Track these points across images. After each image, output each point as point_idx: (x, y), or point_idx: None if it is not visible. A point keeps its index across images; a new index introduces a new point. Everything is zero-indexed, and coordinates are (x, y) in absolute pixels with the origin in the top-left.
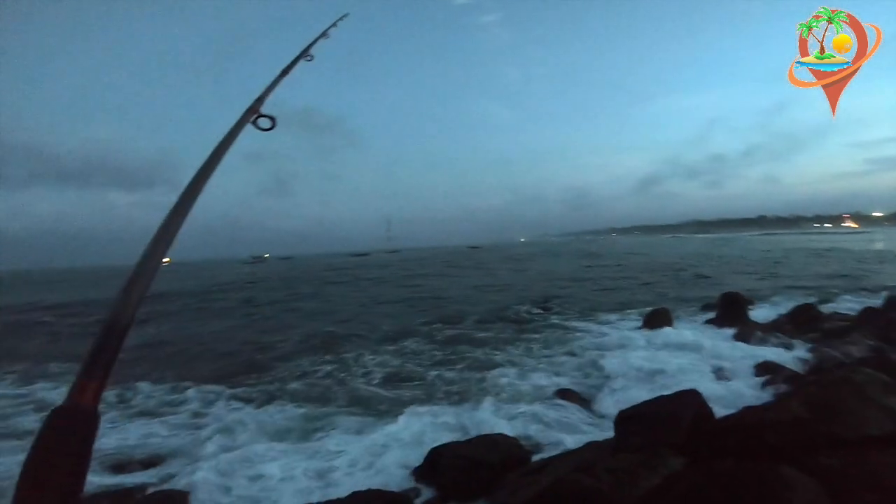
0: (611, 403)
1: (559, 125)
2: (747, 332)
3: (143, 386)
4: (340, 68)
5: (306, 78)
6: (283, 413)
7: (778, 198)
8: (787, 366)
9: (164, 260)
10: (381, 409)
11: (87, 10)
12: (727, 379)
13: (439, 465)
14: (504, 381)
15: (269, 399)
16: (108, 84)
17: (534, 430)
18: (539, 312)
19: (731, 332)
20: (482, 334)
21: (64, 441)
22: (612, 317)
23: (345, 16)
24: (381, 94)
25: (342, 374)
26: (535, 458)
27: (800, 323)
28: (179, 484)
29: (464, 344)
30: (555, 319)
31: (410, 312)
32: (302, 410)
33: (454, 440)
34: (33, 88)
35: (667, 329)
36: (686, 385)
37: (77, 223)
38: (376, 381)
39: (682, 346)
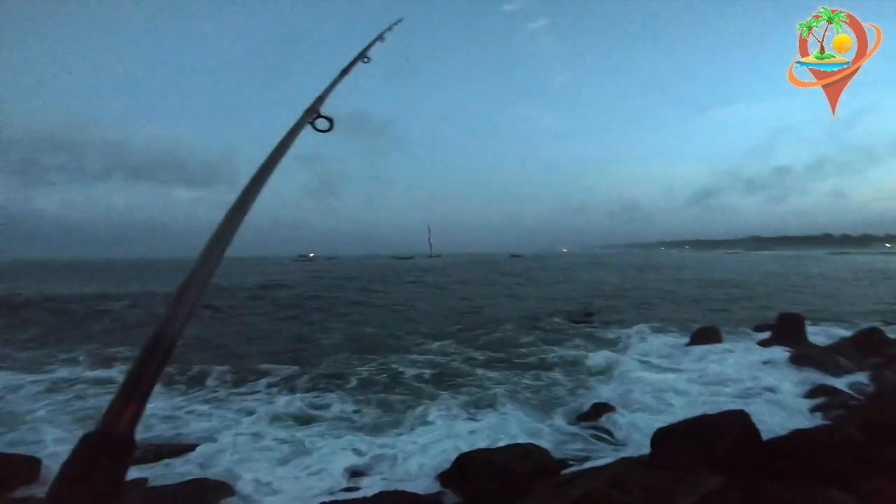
0: (648, 419)
1: (608, 134)
2: (804, 355)
3: (195, 372)
4: (390, 73)
5: (358, 81)
6: (321, 408)
7: (846, 214)
8: (844, 390)
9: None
10: (415, 410)
11: (155, 16)
12: (777, 401)
13: (467, 471)
14: (539, 389)
15: (311, 393)
16: (174, 83)
17: (566, 441)
18: (579, 324)
19: (785, 353)
20: (521, 341)
21: (93, 472)
22: (656, 332)
23: (399, 21)
24: (429, 99)
25: (381, 374)
26: (566, 470)
27: (862, 347)
28: (218, 472)
29: (501, 350)
30: (596, 331)
31: (449, 316)
32: (339, 406)
33: (484, 446)
34: (109, 87)
35: (714, 346)
36: (730, 405)
37: (145, 216)
38: (412, 383)
39: (729, 365)
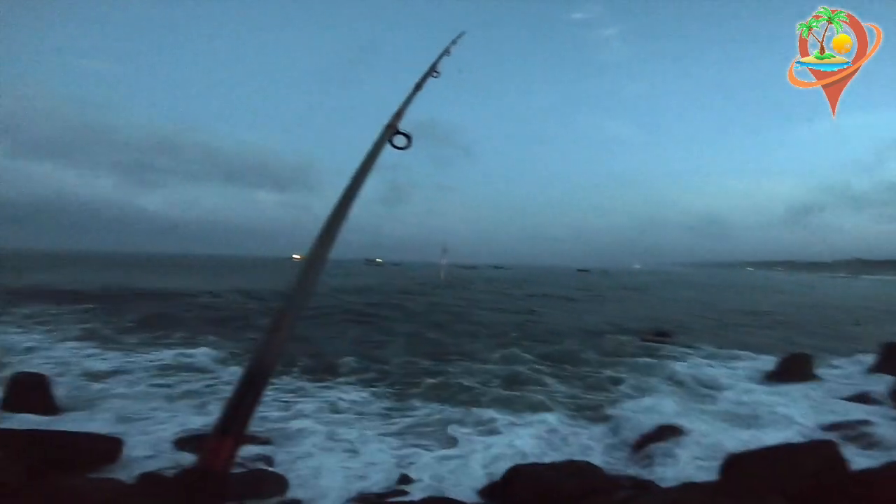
0: (718, 444)
1: (689, 145)
2: None
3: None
4: (459, 83)
5: (428, 92)
6: (378, 409)
7: None
8: None
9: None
10: (470, 418)
11: (245, 28)
12: (872, 433)
13: (514, 485)
14: (600, 405)
15: (373, 394)
16: (261, 92)
17: (624, 461)
18: (650, 342)
19: (887, 382)
20: (586, 355)
21: None
22: (735, 356)
23: (462, 34)
24: (497, 109)
25: (441, 380)
26: (621, 493)
27: None
28: (276, 466)
29: (563, 363)
30: (667, 350)
31: (514, 327)
32: (395, 407)
33: (536, 460)
34: (206, 93)
35: (804, 373)
36: (815, 436)
37: (235, 216)
38: (471, 390)
39: (818, 394)
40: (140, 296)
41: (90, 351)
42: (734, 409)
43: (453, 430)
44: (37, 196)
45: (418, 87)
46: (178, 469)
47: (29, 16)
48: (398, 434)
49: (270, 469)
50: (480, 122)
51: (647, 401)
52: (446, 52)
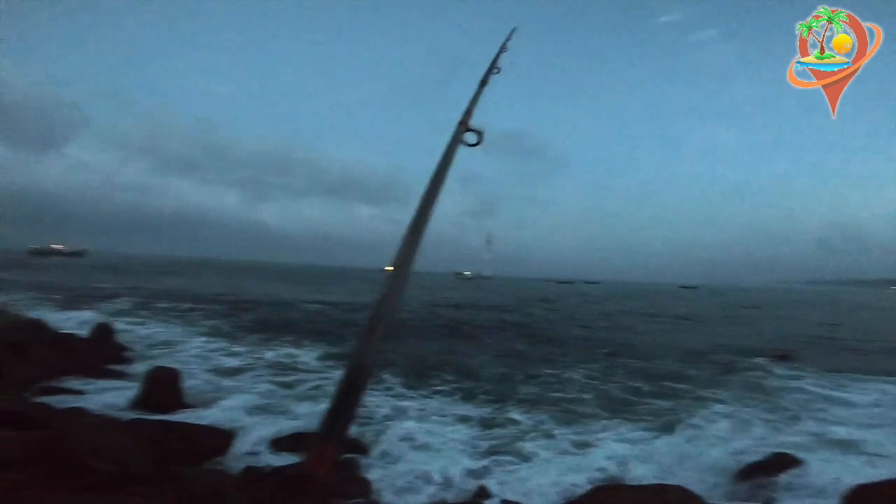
0: (839, 478)
1: (809, 150)
2: None
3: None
4: (546, 92)
5: (510, 101)
6: (471, 419)
7: None
8: None
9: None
10: (559, 430)
11: (338, 49)
12: None
13: None
14: (700, 427)
15: (464, 402)
16: (352, 106)
17: (727, 489)
18: (761, 364)
19: None
20: (692, 373)
21: None
22: (871, 380)
23: (514, 30)
24: (588, 118)
25: (531, 391)
26: None
27: None
28: (362, 469)
29: (665, 380)
30: (786, 374)
31: (611, 342)
32: (490, 417)
33: (624, 482)
34: (308, 112)
35: None
36: None
37: (336, 229)
38: (564, 403)
39: None
40: (256, 302)
41: (215, 345)
42: (856, 437)
43: (538, 443)
44: (178, 208)
45: (483, 83)
46: (280, 467)
47: (163, 43)
48: (483, 444)
49: (357, 472)
50: (570, 133)
51: (755, 426)
52: (503, 48)
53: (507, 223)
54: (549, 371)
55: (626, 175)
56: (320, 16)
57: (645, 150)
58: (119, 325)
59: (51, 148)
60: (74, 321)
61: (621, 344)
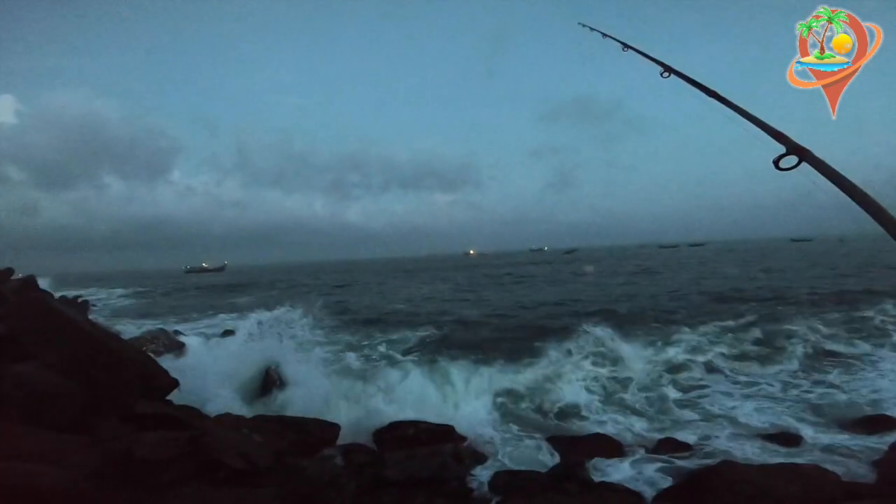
0: None
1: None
2: None
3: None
4: (610, 53)
5: (577, 65)
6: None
7: None
8: None
9: None
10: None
11: (406, 49)
12: None
13: (711, 486)
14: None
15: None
16: (422, 98)
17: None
18: None
19: None
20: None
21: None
22: None
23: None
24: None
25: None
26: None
27: None
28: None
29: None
30: None
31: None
32: None
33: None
34: (383, 109)
35: None
36: None
37: (416, 219)
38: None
39: None
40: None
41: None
42: None
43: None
44: (275, 218)
45: None
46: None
47: (238, 65)
48: None
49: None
50: (645, 91)
51: None
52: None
53: (589, 191)
54: (664, 337)
55: (717, 131)
56: (381, 16)
57: (735, 95)
58: None
59: (158, 176)
60: None
61: (737, 299)
